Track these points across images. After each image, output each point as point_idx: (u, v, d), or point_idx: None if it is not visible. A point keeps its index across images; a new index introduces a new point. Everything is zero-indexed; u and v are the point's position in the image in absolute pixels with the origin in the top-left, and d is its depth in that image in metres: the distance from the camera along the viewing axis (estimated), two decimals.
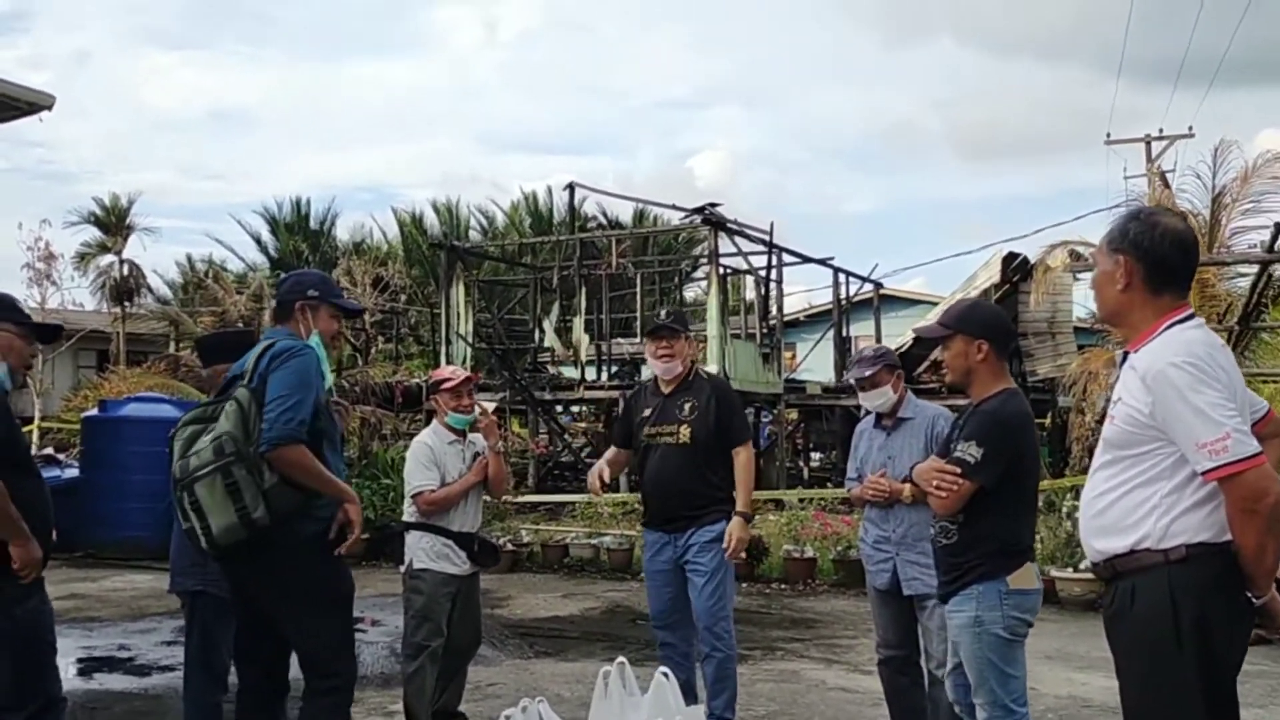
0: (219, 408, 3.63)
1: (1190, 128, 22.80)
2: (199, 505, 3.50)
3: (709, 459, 5.03)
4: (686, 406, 5.06)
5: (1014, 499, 3.58)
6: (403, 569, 5.15)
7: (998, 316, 3.80)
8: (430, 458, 5.06)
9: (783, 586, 10.12)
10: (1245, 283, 12.50)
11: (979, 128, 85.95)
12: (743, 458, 5.09)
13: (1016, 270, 18.91)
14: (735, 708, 5.10)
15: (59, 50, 72.42)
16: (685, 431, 5.02)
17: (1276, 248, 10.33)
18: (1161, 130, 22.85)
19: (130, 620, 8.49)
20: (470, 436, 5.27)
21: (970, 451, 3.48)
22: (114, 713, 5.78)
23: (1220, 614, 2.48)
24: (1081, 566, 9.07)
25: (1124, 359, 2.69)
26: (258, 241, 34.32)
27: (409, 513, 5.13)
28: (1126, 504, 2.57)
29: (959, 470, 3.48)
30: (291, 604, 3.71)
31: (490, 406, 5.60)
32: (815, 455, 23.63)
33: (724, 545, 4.97)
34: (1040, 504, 12.35)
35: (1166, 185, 16.49)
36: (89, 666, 6.91)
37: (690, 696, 4.65)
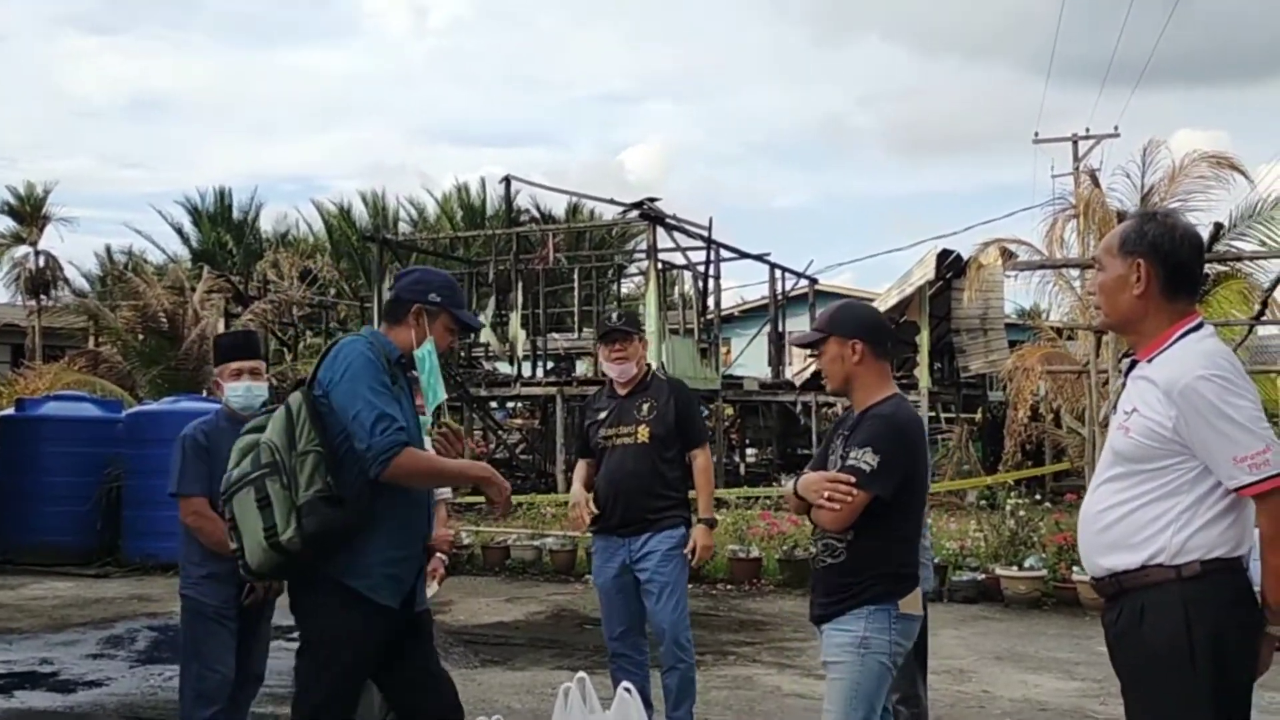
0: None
1: (1116, 127, 23.09)
2: (235, 524, 3.18)
3: (667, 460, 4.92)
4: (645, 407, 4.96)
5: (910, 515, 3.28)
6: None
7: (872, 316, 3.52)
8: None
9: (729, 587, 10.02)
10: None
11: (909, 125, 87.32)
12: (701, 461, 5.00)
13: (950, 267, 19.12)
14: (693, 715, 5.00)
15: None
16: (644, 431, 4.90)
17: (1212, 249, 10.52)
18: (1088, 129, 23.11)
19: (52, 631, 8.07)
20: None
21: (865, 459, 3.13)
22: None
23: (1234, 631, 2.41)
24: (1026, 565, 9.12)
25: (1131, 367, 2.60)
26: (179, 232, 33.37)
27: None
28: (1139, 518, 2.47)
29: (853, 480, 3.13)
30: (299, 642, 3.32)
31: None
32: (750, 451, 23.73)
33: (686, 552, 4.87)
34: (978, 500, 12.57)
35: (1096, 184, 16.75)
36: (9, 683, 6.50)
37: (646, 706, 4.53)
